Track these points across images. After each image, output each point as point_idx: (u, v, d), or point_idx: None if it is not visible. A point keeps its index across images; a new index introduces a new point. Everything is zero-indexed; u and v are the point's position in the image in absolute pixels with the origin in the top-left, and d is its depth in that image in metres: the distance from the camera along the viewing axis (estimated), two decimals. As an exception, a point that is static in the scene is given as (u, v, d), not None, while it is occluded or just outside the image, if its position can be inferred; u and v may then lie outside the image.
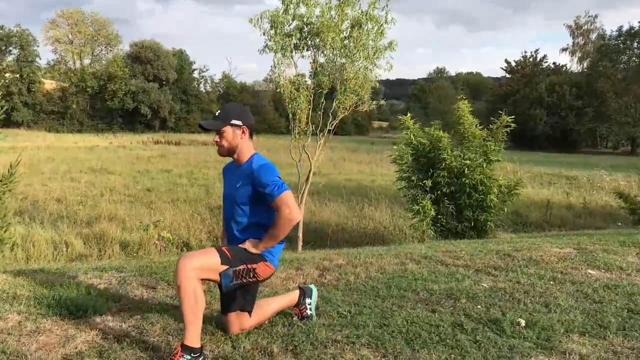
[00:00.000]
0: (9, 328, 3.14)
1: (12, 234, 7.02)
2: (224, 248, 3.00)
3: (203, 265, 2.84)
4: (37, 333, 3.10)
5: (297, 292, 3.52)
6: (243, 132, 3.09)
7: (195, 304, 2.77)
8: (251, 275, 3.03)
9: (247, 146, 3.13)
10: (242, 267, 2.98)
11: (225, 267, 2.91)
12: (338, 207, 13.50)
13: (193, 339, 2.77)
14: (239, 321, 3.13)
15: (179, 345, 2.77)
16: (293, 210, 2.92)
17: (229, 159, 3.27)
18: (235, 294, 3.10)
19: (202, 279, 2.86)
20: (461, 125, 9.90)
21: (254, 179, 2.99)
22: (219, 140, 3.08)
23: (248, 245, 3.03)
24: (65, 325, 3.22)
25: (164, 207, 13.03)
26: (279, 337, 3.15)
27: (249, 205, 3.06)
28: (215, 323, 3.29)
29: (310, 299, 3.50)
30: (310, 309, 3.47)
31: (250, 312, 3.16)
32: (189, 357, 2.72)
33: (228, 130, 3.06)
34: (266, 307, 3.31)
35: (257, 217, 3.08)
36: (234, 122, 3.06)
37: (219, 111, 3.11)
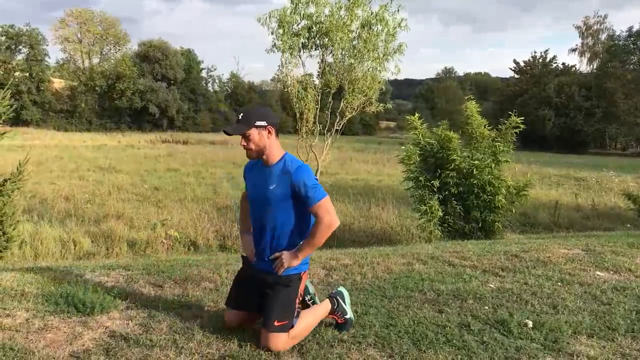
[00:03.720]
0: (17, 325, 3.16)
1: (20, 231, 7.08)
2: (277, 322, 2.93)
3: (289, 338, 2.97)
4: (44, 330, 3.11)
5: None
6: (269, 132, 3.01)
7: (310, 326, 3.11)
8: (299, 299, 3.12)
9: (275, 146, 3.05)
10: (296, 307, 3.05)
11: (290, 320, 2.99)
12: (345, 207, 13.49)
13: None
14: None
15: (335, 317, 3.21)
16: (333, 216, 2.93)
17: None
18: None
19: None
20: (469, 126, 9.86)
21: (293, 180, 2.94)
22: (246, 144, 3.02)
23: (286, 259, 2.98)
24: (73, 323, 3.23)
25: (172, 206, 13.06)
26: (286, 336, 3.13)
27: (285, 207, 3.01)
28: (226, 322, 3.28)
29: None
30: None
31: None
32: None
33: (254, 133, 2.98)
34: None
35: (293, 219, 3.04)
36: (258, 123, 2.98)
37: (241, 115, 3.03)
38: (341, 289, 3.48)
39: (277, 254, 3.02)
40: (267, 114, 3.06)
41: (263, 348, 2.95)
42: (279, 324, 2.93)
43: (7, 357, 2.71)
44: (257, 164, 3.16)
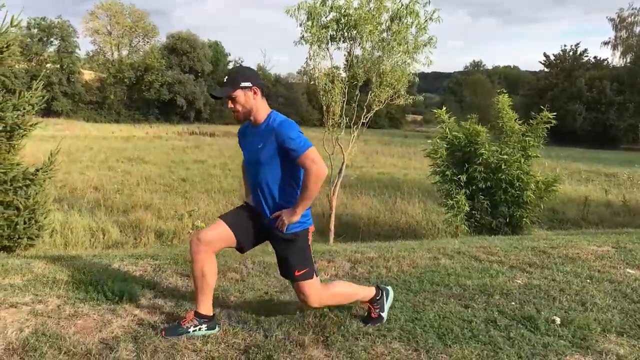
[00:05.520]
0: (49, 311, 3.23)
1: (51, 220, 7.21)
2: (297, 272, 3.04)
3: (325, 291, 3.17)
4: (75, 317, 3.18)
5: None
6: (254, 92, 2.98)
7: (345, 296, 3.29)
8: (310, 247, 3.16)
9: (262, 105, 3.02)
10: (312, 257, 3.15)
11: (311, 267, 3.11)
12: (370, 200, 13.47)
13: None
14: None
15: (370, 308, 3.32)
16: (320, 165, 2.87)
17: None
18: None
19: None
20: (500, 119, 9.74)
21: (277, 135, 2.91)
22: (233, 106, 3.00)
23: (286, 216, 2.97)
24: (102, 310, 3.29)
25: (198, 197, 13.21)
26: (311, 327, 3.15)
27: (274, 164, 2.98)
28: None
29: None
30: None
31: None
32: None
33: (239, 94, 2.96)
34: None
35: (284, 175, 3.01)
36: (243, 84, 2.95)
37: (226, 77, 3.02)
38: (389, 288, 3.51)
39: (277, 213, 3.03)
40: (252, 74, 3.04)
41: (301, 303, 3.15)
42: (299, 272, 3.05)
43: (40, 342, 2.78)
44: (248, 127, 3.16)
